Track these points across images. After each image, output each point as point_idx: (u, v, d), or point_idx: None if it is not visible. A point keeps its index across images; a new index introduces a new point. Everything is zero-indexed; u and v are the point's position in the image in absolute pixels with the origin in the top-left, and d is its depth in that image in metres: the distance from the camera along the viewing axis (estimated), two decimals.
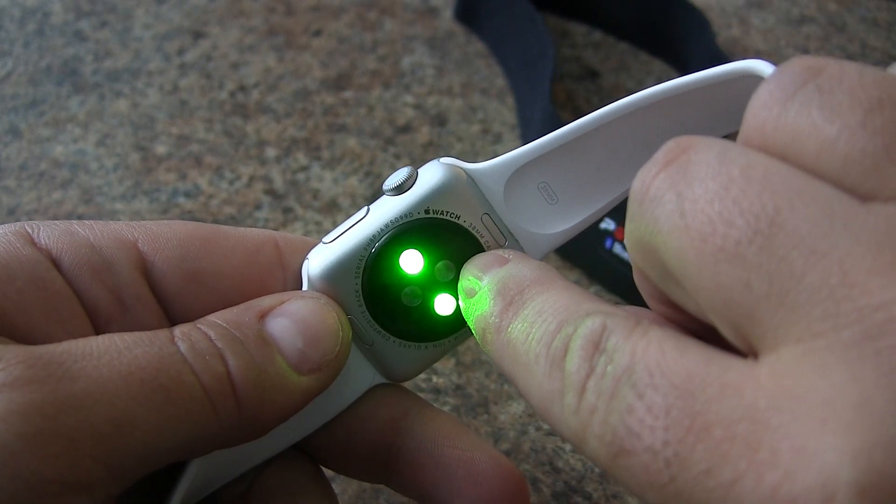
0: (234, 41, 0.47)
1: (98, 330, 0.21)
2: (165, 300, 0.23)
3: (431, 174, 0.23)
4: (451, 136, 0.43)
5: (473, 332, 0.21)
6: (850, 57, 0.50)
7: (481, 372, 0.34)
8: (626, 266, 0.36)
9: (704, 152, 0.16)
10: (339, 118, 0.44)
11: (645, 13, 0.49)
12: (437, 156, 0.31)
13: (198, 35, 0.48)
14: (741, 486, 0.13)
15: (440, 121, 0.44)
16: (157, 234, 0.23)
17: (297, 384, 0.21)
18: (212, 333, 0.21)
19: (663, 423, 0.14)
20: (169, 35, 0.48)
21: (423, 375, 0.34)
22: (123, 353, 0.19)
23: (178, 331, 0.20)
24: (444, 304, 0.23)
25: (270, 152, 0.43)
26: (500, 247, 0.23)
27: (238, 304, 0.22)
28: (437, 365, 0.34)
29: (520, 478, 0.23)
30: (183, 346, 0.20)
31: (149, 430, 0.19)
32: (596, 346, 0.16)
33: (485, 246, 0.23)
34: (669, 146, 0.16)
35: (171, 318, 0.23)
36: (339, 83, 0.46)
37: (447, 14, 0.50)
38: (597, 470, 0.32)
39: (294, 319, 0.22)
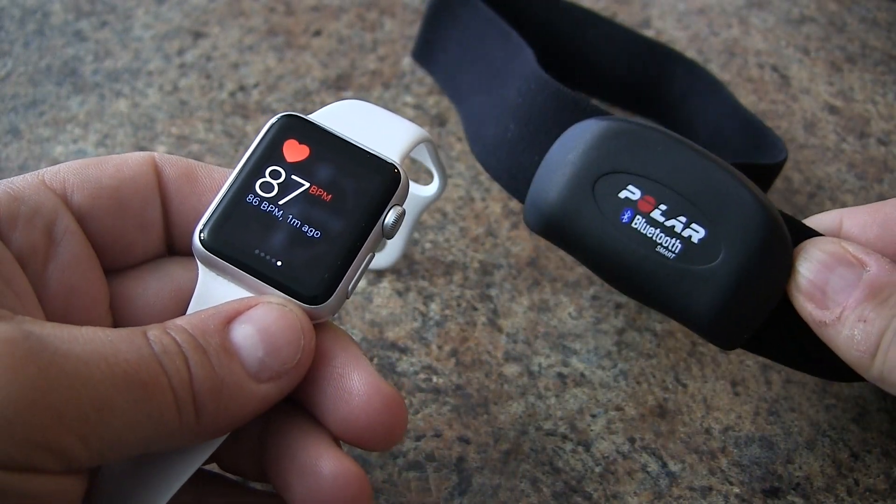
0: (234, 41, 0.47)
1: (32, 270, 0.23)
2: (87, 226, 0.25)
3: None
4: (452, 136, 0.43)
5: None
6: (851, 57, 0.50)
7: (481, 372, 0.34)
8: (647, 244, 0.28)
9: None
10: None
11: (633, 74, 0.44)
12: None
13: (198, 35, 0.48)
14: None
15: (440, 121, 0.44)
16: (65, 171, 0.25)
17: (255, 392, 0.22)
18: (179, 339, 0.22)
19: None
20: (169, 35, 0.48)
21: (423, 375, 0.34)
22: (107, 346, 0.21)
23: (152, 333, 0.22)
24: None
25: None
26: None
27: (141, 220, 0.25)
28: (438, 365, 0.34)
29: (393, 395, 0.24)
30: (157, 349, 0.21)
31: (124, 420, 0.20)
32: None
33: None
34: None
35: (94, 242, 0.25)
36: (339, 83, 0.46)
37: None
38: (597, 470, 0.32)
39: (258, 327, 0.23)
